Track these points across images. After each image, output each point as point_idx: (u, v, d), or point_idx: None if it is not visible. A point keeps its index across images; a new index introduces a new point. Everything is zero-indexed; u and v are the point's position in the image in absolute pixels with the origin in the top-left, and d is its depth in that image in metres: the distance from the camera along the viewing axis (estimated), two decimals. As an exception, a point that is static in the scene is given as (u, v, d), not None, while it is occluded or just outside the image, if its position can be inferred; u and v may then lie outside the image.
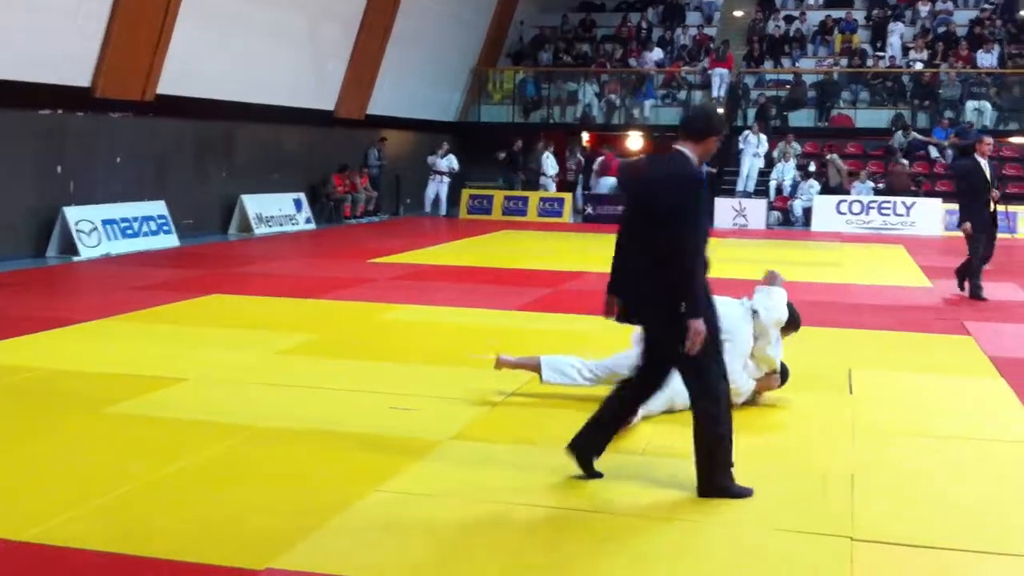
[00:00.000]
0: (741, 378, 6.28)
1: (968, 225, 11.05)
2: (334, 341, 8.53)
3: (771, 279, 6.64)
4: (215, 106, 17.31)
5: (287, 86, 19.03)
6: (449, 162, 23.02)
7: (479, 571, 4.01)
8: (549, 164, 23.67)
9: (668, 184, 4.80)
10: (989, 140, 11.66)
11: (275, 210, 19.10)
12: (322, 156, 20.83)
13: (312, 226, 19.82)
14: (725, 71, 25.53)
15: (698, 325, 4.62)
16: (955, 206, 21.15)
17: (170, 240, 16.03)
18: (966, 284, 11.56)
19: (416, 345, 8.42)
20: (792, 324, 6.60)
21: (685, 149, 4.88)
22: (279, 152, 19.68)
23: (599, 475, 5.00)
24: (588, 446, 5.00)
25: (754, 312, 6.43)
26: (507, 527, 4.46)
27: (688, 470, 5.01)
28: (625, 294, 4.92)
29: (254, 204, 18.57)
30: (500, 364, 6.64)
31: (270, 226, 18.71)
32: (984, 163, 11.12)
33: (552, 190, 23.47)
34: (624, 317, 4.97)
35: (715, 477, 4.80)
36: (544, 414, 6.30)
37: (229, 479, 5.07)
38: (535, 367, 6.57)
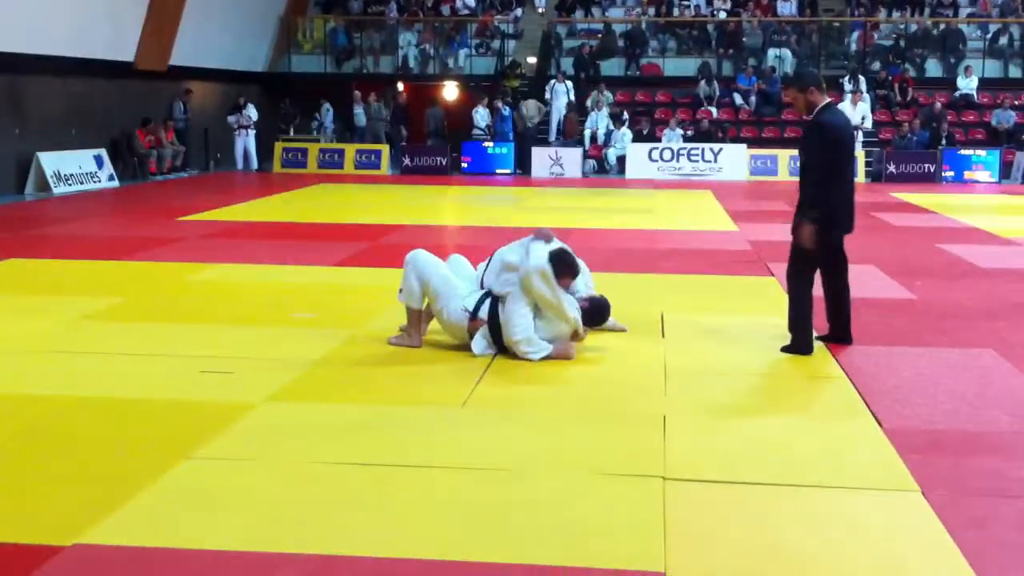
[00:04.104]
0: (522, 324, 6.31)
1: None
2: (141, 304, 8.18)
3: (540, 235, 6.64)
4: None
5: (80, 37, 18.00)
6: (249, 113, 22.42)
7: (295, 535, 3.93)
8: (480, 116, 23.17)
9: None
10: None
11: (75, 168, 18.14)
12: (123, 110, 19.88)
13: (116, 184, 18.94)
14: None
15: None
16: (763, 151, 22.11)
17: (-41, 202, 15.06)
18: None
19: (229, 306, 8.17)
20: (597, 315, 6.67)
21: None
22: (76, 107, 18.67)
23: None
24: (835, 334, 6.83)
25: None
26: (325, 488, 4.38)
27: (505, 418, 5.07)
28: (850, 219, 6.62)
29: (51, 162, 17.59)
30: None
31: (70, 184, 17.78)
32: None
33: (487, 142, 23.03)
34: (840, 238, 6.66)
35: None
36: (363, 373, 6.23)
37: (30, 452, 4.81)
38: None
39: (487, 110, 23.16)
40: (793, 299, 6.68)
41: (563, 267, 6.36)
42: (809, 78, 6.71)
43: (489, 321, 6.41)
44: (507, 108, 22.82)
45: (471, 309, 6.48)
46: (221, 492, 4.34)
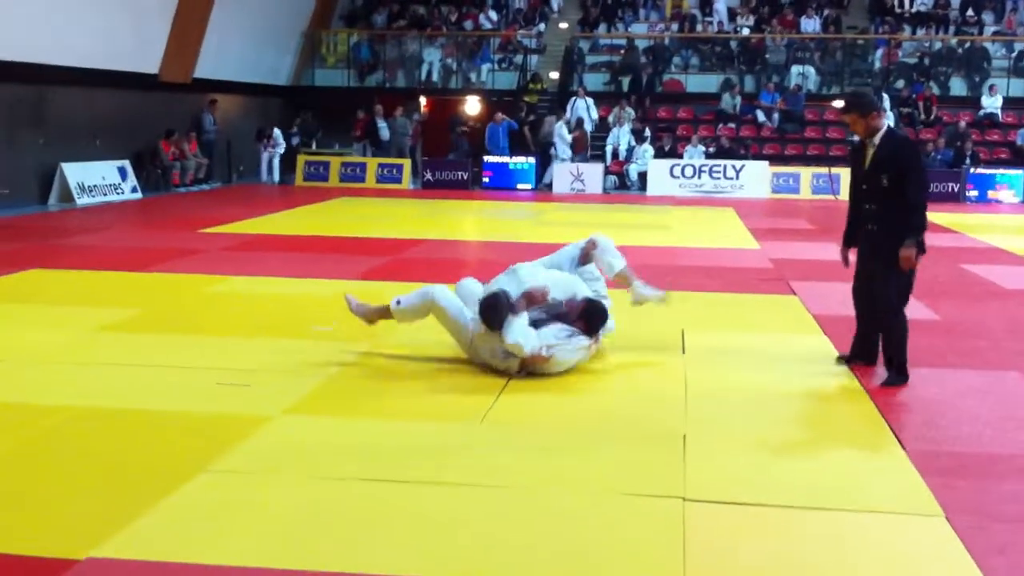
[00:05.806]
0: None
1: None
2: (160, 316, 8.19)
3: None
4: (25, 70, 16.29)
5: (105, 48, 18.08)
6: (277, 139, 22.64)
7: (311, 551, 3.89)
8: (563, 130, 22.60)
9: None
10: None
11: (98, 179, 18.22)
12: (148, 122, 19.95)
13: (139, 195, 19.03)
14: None
15: None
16: (785, 168, 21.97)
17: (-17, 212, 15.14)
18: None
19: (248, 318, 8.16)
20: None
21: None
22: (101, 118, 18.75)
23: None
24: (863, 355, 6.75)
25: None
26: (341, 504, 4.34)
27: (524, 435, 5.03)
28: None
29: (75, 172, 17.68)
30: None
31: (93, 196, 17.86)
32: None
33: (567, 156, 22.52)
34: None
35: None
36: (381, 386, 6.20)
37: (46, 463, 4.80)
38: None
39: (564, 124, 22.88)
40: (900, 328, 6.49)
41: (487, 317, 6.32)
42: (871, 104, 6.46)
43: None
44: (506, 122, 22.80)
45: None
46: (236, 506, 4.31)
